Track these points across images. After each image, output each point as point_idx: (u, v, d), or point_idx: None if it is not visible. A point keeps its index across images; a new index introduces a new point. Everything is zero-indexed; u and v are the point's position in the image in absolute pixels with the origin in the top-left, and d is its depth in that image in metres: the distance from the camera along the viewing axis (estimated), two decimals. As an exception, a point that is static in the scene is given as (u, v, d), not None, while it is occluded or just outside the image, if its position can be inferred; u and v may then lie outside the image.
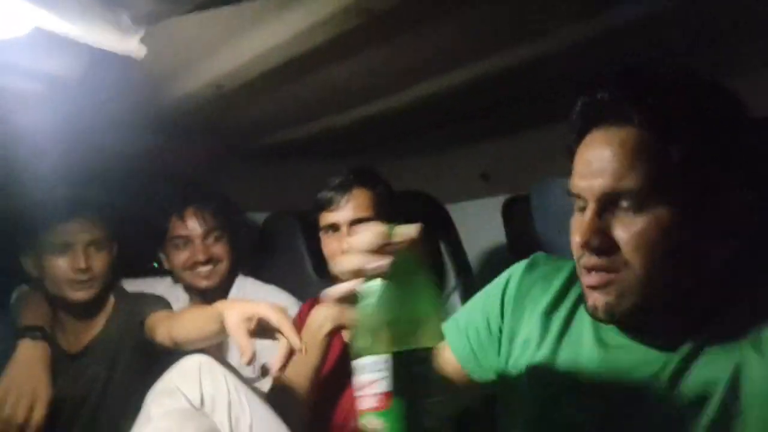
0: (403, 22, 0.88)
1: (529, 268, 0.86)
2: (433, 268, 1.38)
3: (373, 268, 0.54)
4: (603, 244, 0.64)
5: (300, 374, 1.16)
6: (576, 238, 0.66)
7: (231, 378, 1.07)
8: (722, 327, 0.66)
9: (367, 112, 1.30)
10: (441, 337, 0.61)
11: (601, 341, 0.73)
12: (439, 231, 1.40)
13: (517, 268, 0.87)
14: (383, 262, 0.54)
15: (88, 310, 1.43)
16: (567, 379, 0.74)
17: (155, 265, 1.82)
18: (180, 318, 1.27)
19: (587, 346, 0.74)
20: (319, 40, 0.90)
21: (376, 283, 0.54)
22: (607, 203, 0.64)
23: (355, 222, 1.22)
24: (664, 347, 0.68)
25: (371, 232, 0.55)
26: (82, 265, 1.36)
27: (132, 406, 1.09)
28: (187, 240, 1.52)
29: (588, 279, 0.67)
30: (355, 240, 0.56)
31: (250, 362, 0.98)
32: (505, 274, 0.88)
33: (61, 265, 1.36)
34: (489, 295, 0.88)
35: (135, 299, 1.50)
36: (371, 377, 0.54)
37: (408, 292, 0.55)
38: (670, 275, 0.64)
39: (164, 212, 1.55)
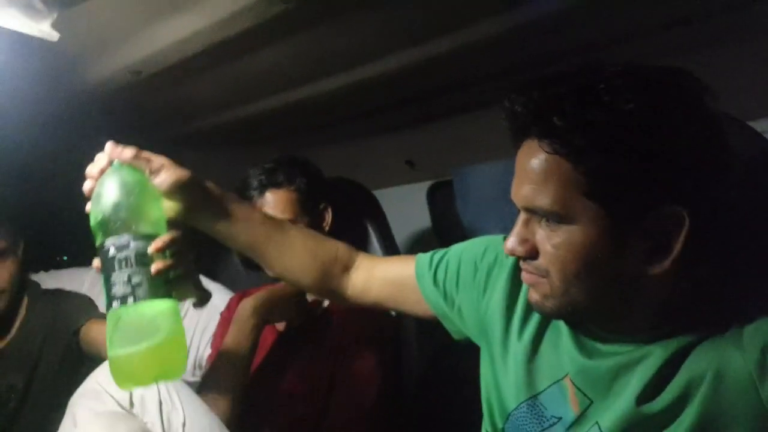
0: (326, 9, 0.89)
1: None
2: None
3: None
4: (526, 252, 0.67)
5: (231, 365, 1.15)
6: (506, 245, 0.69)
7: (161, 375, 1.04)
8: (702, 328, 0.65)
9: (293, 98, 1.29)
10: (162, 228, 0.74)
11: (580, 342, 0.74)
12: (367, 216, 1.43)
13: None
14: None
15: None
16: (549, 374, 0.76)
17: (64, 258, 1.73)
18: None
19: (566, 340, 0.75)
20: (241, 27, 0.89)
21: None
22: (533, 213, 0.66)
23: None
24: (642, 347, 0.68)
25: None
26: None
27: (57, 412, 1.03)
28: None
29: (522, 275, 0.71)
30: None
31: None
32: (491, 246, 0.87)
33: None
34: (482, 254, 0.87)
35: (54, 300, 1.41)
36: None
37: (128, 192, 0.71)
38: (590, 289, 0.65)
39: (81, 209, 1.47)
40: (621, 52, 1.12)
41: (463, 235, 1.62)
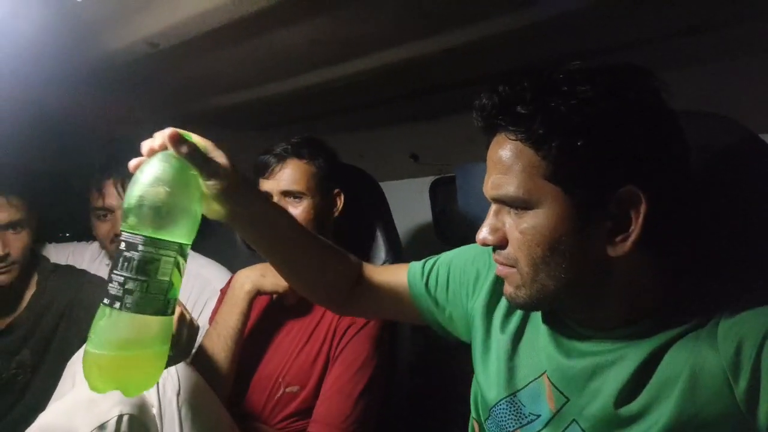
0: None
1: None
2: (365, 242, 1.43)
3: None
4: (496, 241, 0.70)
5: (223, 334, 1.17)
6: (478, 235, 0.71)
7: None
8: (678, 327, 0.66)
9: (305, 83, 1.29)
10: (186, 237, 0.66)
11: (558, 340, 0.76)
12: (373, 207, 1.44)
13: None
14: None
15: (7, 292, 1.34)
16: (528, 372, 0.77)
17: (66, 234, 1.75)
18: None
19: (544, 339, 0.77)
20: (261, 5, 0.90)
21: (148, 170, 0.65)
22: (501, 202, 0.69)
23: (286, 194, 1.20)
24: (619, 347, 0.69)
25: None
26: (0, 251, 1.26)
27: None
28: (108, 211, 1.45)
29: (497, 269, 0.74)
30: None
31: None
32: (489, 252, 0.88)
33: None
34: (471, 261, 0.90)
35: (70, 278, 1.41)
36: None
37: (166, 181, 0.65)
38: (557, 273, 0.66)
39: (84, 180, 1.47)
40: (630, 58, 1.13)
41: (462, 232, 1.64)
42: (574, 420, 0.72)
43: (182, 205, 0.66)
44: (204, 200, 0.70)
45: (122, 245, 0.63)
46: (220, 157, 0.72)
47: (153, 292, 0.62)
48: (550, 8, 0.94)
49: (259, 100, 1.42)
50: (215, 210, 0.74)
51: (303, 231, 0.91)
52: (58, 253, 1.57)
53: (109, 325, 0.62)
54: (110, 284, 0.62)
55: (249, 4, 0.89)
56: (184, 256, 0.66)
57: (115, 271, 0.62)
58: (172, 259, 0.64)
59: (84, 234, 1.65)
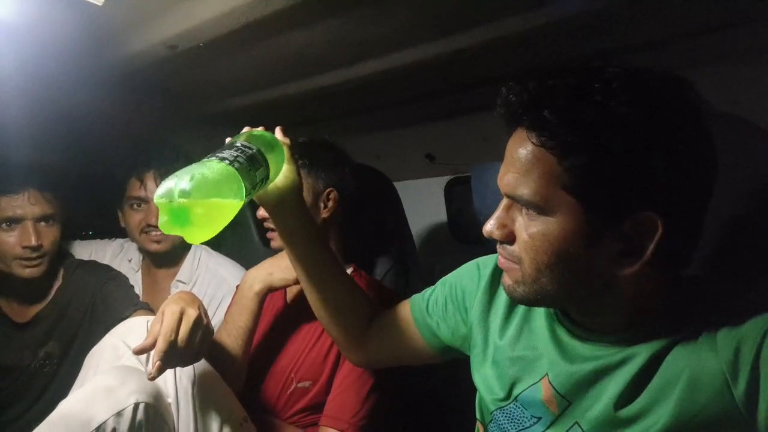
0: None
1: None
2: (379, 241, 1.43)
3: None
4: (503, 237, 0.69)
5: (233, 334, 1.19)
6: (485, 227, 0.70)
7: (176, 336, 1.07)
8: (679, 331, 0.66)
9: (320, 84, 1.31)
10: (270, 174, 0.85)
11: (559, 344, 0.75)
12: (387, 205, 1.45)
13: (490, 264, 0.90)
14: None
15: (37, 284, 1.38)
16: (528, 376, 0.78)
17: (90, 233, 1.79)
18: None
19: (544, 342, 0.77)
20: (277, 7, 0.92)
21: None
22: (514, 200, 0.67)
23: None
24: (621, 349, 0.69)
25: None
26: (33, 242, 1.29)
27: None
28: (144, 202, 1.49)
29: (498, 260, 0.74)
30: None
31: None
32: (477, 265, 0.92)
33: (9, 240, 1.29)
34: (463, 278, 0.92)
35: (94, 273, 1.45)
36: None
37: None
38: (559, 280, 0.66)
39: (126, 171, 1.51)
40: (648, 59, 1.12)
41: (476, 231, 1.63)
42: (576, 423, 0.72)
43: (276, 158, 0.88)
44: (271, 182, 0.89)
45: (239, 144, 0.81)
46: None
47: (249, 176, 0.77)
48: (561, 9, 0.94)
49: (274, 101, 1.44)
50: (273, 193, 0.90)
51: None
52: (82, 250, 1.61)
53: (210, 173, 0.72)
54: (221, 154, 0.77)
55: (264, 6, 0.91)
56: (259, 186, 0.82)
57: (228, 151, 0.78)
58: (262, 174, 0.82)
59: (106, 232, 1.69)
